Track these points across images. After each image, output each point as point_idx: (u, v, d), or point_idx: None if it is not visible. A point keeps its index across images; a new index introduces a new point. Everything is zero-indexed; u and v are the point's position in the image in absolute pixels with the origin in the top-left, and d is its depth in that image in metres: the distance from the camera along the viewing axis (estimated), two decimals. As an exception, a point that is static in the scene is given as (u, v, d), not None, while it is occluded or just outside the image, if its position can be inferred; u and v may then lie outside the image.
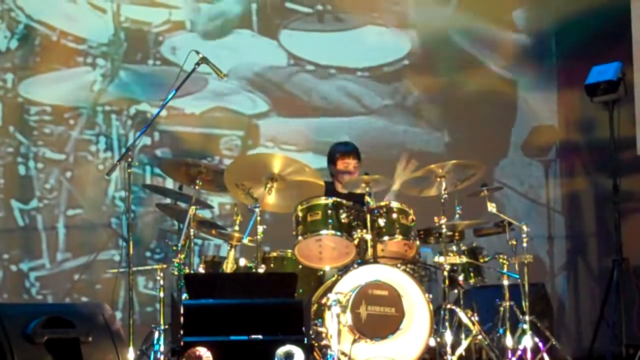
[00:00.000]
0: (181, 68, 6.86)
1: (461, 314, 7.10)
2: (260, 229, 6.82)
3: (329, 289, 6.79)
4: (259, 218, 6.82)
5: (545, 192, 9.78)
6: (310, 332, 6.27)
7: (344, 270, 6.94)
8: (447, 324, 6.98)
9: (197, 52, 6.86)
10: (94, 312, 5.84)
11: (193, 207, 6.93)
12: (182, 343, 5.75)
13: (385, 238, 7.03)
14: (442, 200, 7.17)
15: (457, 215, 7.31)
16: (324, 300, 6.73)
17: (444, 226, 7.14)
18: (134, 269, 6.64)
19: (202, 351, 5.71)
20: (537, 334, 7.38)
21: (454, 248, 7.36)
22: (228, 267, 7.00)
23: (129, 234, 6.55)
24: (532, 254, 7.45)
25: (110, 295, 7.44)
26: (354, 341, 6.66)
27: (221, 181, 7.03)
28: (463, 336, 7.13)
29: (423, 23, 9.51)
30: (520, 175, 9.71)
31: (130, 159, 6.62)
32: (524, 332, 7.26)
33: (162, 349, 6.85)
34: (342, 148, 7.80)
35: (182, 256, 6.95)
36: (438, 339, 6.93)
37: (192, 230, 6.94)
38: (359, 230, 6.96)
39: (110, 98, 8.72)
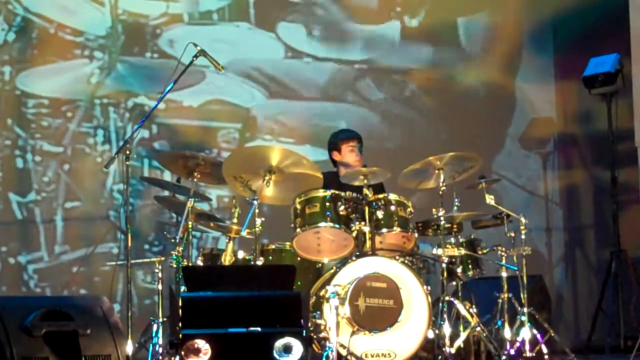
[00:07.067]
0: (179, 61, 6.84)
1: (459, 306, 7.09)
2: (258, 221, 6.82)
3: (328, 282, 6.80)
4: (257, 210, 6.82)
5: (543, 184, 9.77)
6: (309, 324, 6.27)
7: (342, 262, 6.94)
8: (445, 316, 6.98)
9: (195, 45, 6.85)
10: (93, 305, 5.82)
11: (191, 200, 6.92)
12: (180, 335, 5.73)
13: (384, 230, 7.03)
14: (441, 192, 7.18)
15: (455, 207, 7.30)
16: (322, 293, 6.74)
17: (442, 218, 7.14)
18: (132, 261, 6.63)
19: (201, 344, 5.70)
20: (535, 325, 7.38)
21: (452, 240, 7.34)
22: (226, 259, 7.00)
23: (127, 226, 6.54)
24: (531, 246, 7.45)
25: (109, 288, 7.45)
26: (353, 333, 6.67)
27: (219, 174, 7.02)
28: (461, 328, 7.13)
29: (420, 15, 9.49)
30: (518, 167, 9.70)
31: (128, 152, 6.61)
32: (522, 324, 7.26)
33: (160, 341, 6.85)
34: (345, 133, 7.75)
35: (181, 249, 6.95)
36: (436, 331, 6.94)
37: (190, 222, 6.94)
38: (357, 223, 6.96)
39: (108, 91, 8.70)
